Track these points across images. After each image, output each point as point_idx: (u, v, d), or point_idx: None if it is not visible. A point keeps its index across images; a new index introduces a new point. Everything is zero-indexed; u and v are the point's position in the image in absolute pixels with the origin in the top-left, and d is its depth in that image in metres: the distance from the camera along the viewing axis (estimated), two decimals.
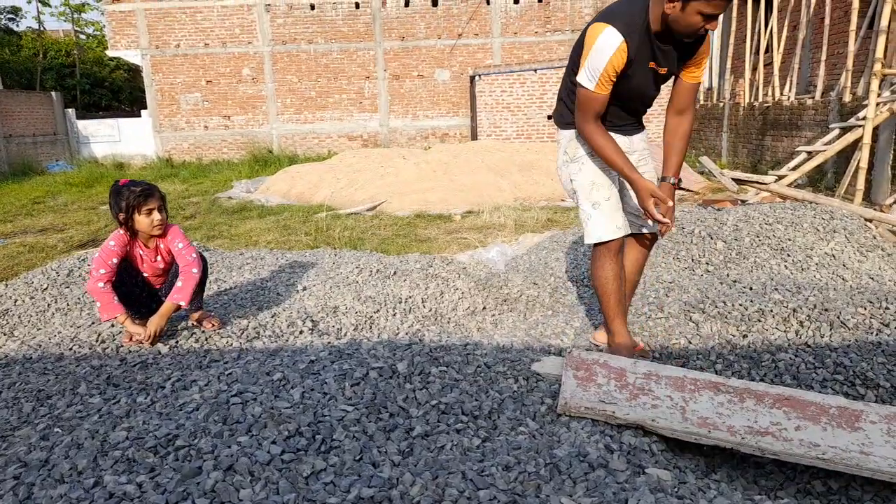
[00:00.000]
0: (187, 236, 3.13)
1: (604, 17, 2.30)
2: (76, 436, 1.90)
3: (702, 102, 14.36)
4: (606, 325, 2.76)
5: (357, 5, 17.25)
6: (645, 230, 2.75)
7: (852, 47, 8.24)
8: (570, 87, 2.56)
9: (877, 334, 2.65)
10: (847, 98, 8.27)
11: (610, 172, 2.61)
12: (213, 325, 3.09)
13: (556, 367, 2.54)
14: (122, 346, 2.86)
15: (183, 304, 2.91)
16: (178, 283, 2.92)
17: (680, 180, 2.67)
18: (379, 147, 16.89)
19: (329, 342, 2.87)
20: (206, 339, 2.95)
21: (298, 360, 2.38)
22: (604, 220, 2.58)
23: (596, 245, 2.63)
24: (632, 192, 2.65)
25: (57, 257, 5.75)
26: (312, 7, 17.27)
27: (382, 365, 2.28)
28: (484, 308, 3.85)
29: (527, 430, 2.02)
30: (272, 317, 3.29)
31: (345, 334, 3.17)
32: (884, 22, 6.83)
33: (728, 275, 3.84)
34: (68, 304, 3.72)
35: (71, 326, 3.22)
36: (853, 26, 8.20)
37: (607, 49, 2.24)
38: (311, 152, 17.59)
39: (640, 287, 3.83)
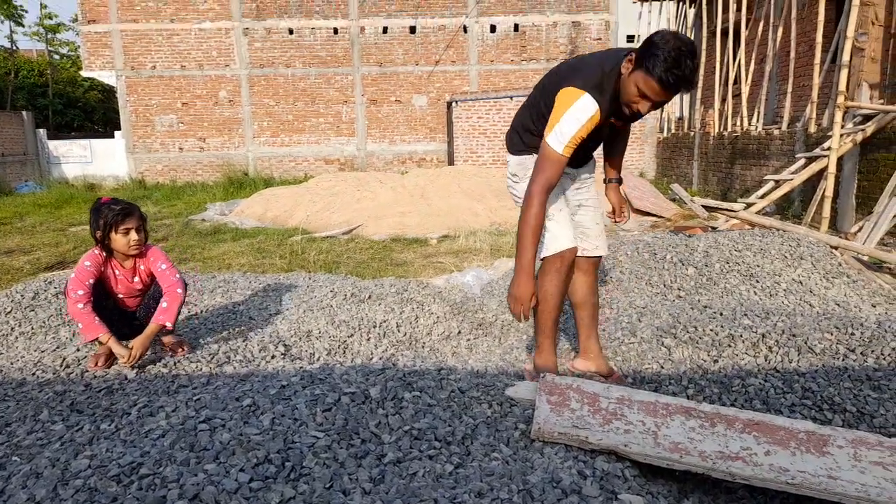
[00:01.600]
0: (169, 258, 3.10)
1: (579, 80, 2.29)
2: (35, 464, 1.84)
3: (673, 131, 14.68)
4: (536, 339, 2.71)
5: (335, 31, 17.40)
6: (588, 252, 2.76)
7: (817, 80, 8.52)
8: (526, 120, 2.58)
9: (843, 359, 2.70)
10: (812, 129, 8.53)
11: (562, 189, 2.61)
12: (184, 351, 3.03)
13: (529, 391, 2.54)
14: (88, 371, 2.79)
15: (168, 324, 2.88)
16: (163, 304, 2.90)
17: (621, 179, 2.86)
18: (356, 171, 16.91)
19: (301, 367, 2.84)
20: (175, 364, 2.89)
21: (269, 386, 2.34)
22: (560, 231, 2.58)
23: (550, 258, 2.60)
24: (583, 212, 2.74)
25: (23, 280, 5.61)
26: (291, 32, 17.37)
27: (355, 390, 2.26)
28: (459, 332, 3.85)
29: (500, 455, 2.01)
30: (244, 341, 3.24)
31: (318, 359, 3.13)
32: (845, 57, 7.09)
33: (699, 300, 3.89)
34: (32, 328, 3.62)
35: (35, 350, 3.13)
36: (817, 60, 8.49)
37: (582, 118, 2.25)
38: (288, 175, 17.54)
39: (614, 312, 3.86)
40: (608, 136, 2.67)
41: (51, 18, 27.10)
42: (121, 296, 3.04)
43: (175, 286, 2.94)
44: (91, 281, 2.83)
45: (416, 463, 1.87)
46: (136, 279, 3.05)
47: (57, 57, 28.82)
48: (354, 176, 11.92)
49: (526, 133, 2.59)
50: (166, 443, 1.90)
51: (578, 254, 2.70)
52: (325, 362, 3.05)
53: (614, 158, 2.87)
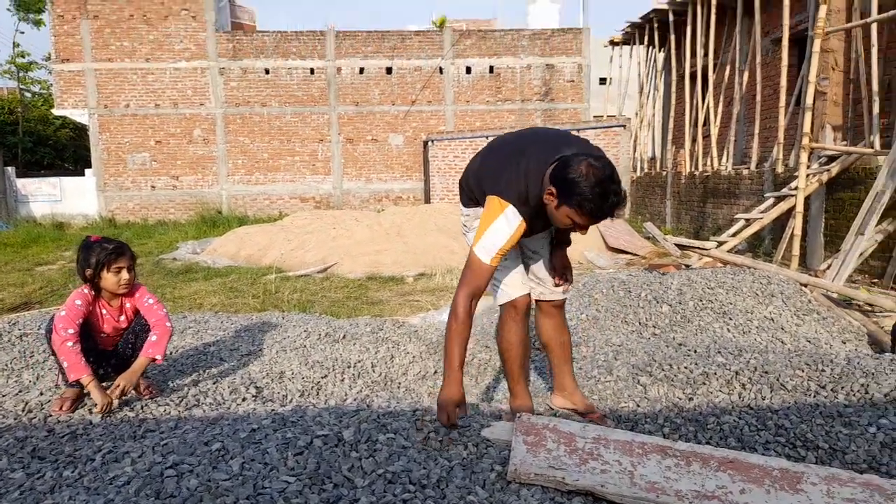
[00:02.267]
0: (155, 294, 3.09)
1: (504, 189, 2.30)
2: None
3: (646, 171, 15.01)
4: (509, 386, 2.75)
5: (312, 71, 17.60)
6: (547, 296, 2.76)
7: (782, 122, 8.82)
8: (472, 183, 2.57)
9: (814, 396, 2.72)
10: (780, 169, 8.79)
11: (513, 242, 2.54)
12: (150, 393, 2.96)
13: (506, 432, 2.51)
14: (51, 415, 2.70)
15: (159, 357, 2.84)
16: (153, 337, 2.87)
17: (569, 241, 2.78)
18: (332, 209, 16.92)
19: (273, 409, 2.77)
20: (142, 408, 2.80)
21: (239, 429, 2.28)
22: (509, 281, 2.61)
23: (503, 307, 2.64)
24: (536, 259, 2.74)
25: None
26: (267, 72, 17.53)
27: (328, 432, 2.21)
28: (435, 372, 3.81)
29: (476, 498, 1.97)
30: (214, 383, 3.16)
31: (290, 401, 3.07)
32: (809, 100, 7.37)
33: (674, 338, 3.92)
34: None
35: None
36: (782, 103, 8.81)
37: (507, 229, 2.27)
38: (262, 213, 17.47)
39: (590, 350, 3.86)
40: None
41: (23, 57, 27.00)
42: (104, 334, 3.00)
43: (163, 320, 2.93)
44: (80, 320, 2.80)
45: None
46: (122, 318, 3.02)
47: (28, 95, 28.61)
48: (330, 214, 11.91)
49: (470, 192, 2.60)
50: (131, 490, 1.83)
51: (538, 297, 2.72)
52: (297, 404, 2.99)
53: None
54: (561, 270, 2.74)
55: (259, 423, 2.34)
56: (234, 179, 17.77)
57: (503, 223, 2.27)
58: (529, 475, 2.07)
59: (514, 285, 2.63)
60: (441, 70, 17.86)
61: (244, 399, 3.00)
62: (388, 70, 17.78)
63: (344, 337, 4.13)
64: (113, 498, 1.80)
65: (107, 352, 3.03)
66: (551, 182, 2.19)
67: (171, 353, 3.81)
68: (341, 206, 17.68)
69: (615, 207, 2.14)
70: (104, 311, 2.97)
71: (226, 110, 17.54)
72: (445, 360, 2.39)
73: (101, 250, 2.85)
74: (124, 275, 2.89)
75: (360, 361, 3.69)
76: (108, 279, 2.87)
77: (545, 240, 2.81)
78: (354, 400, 3.13)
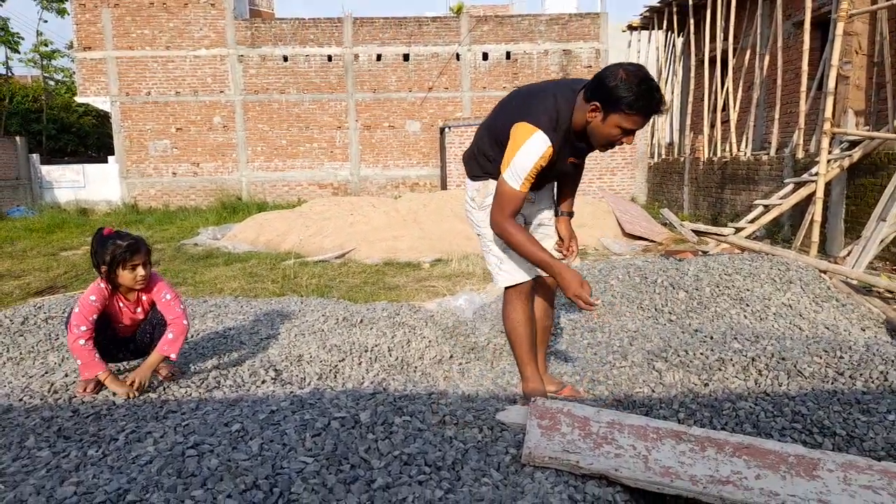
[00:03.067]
0: (173, 287, 3.10)
1: (532, 116, 2.30)
2: (20, 492, 1.82)
3: (663, 157, 14.84)
4: (519, 370, 2.74)
5: (329, 58, 17.60)
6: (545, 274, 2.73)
7: (803, 107, 8.67)
8: (484, 145, 2.56)
9: (832, 383, 2.71)
10: (800, 154, 8.65)
11: (522, 215, 2.65)
12: (172, 376, 3.00)
13: (520, 416, 2.53)
14: (76, 396, 2.77)
15: (173, 356, 2.86)
16: (169, 335, 2.86)
17: (572, 213, 2.84)
18: (349, 195, 16.98)
19: (291, 392, 2.82)
20: (164, 390, 2.87)
21: (259, 411, 2.33)
22: (515, 264, 2.63)
23: (508, 289, 2.66)
24: (542, 232, 2.77)
25: (12, 304, 5.57)
26: (285, 59, 17.56)
27: (345, 415, 2.25)
28: (451, 356, 3.84)
29: (491, 480, 2.00)
30: (233, 366, 3.22)
31: (308, 384, 3.12)
32: (831, 84, 7.22)
33: (690, 324, 3.90)
34: (21, 354, 3.59)
35: (23, 376, 3.10)
36: (803, 87, 8.65)
37: (535, 154, 2.28)
38: (281, 200, 17.58)
39: (605, 335, 3.86)
40: (561, 173, 2.63)
41: (46, 45, 27.31)
42: (121, 325, 3.00)
43: (181, 318, 2.92)
44: (94, 317, 2.80)
45: (405, 488, 1.86)
46: (139, 310, 3.01)
47: (52, 83, 28.97)
48: (347, 200, 11.97)
49: (483, 158, 2.58)
50: (153, 469, 1.88)
51: (537, 274, 2.73)
52: (315, 387, 3.04)
53: (567, 193, 2.84)
54: (567, 241, 2.78)
55: (278, 405, 2.39)
56: (254, 166, 17.89)
57: (532, 146, 2.26)
58: (544, 458, 2.09)
59: (521, 269, 2.63)
60: (458, 56, 17.76)
61: (263, 381, 3.06)
62: (406, 57, 17.72)
63: (361, 321, 4.17)
64: (136, 476, 1.85)
65: (126, 338, 3.07)
66: (592, 99, 2.22)
67: (192, 337, 3.88)
68: (359, 193, 17.74)
69: (661, 103, 2.19)
70: (121, 305, 2.97)
71: (245, 97, 17.62)
72: (542, 263, 2.39)
73: (116, 248, 2.80)
74: (140, 271, 2.85)
75: (376, 345, 3.72)
76: (125, 276, 2.84)
77: (550, 210, 2.82)
78: (371, 383, 3.17)
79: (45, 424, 2.46)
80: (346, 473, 1.91)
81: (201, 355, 3.49)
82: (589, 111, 2.23)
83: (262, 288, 6.25)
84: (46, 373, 3.09)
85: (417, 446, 2.12)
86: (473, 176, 2.66)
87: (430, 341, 3.91)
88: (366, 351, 3.63)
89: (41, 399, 2.76)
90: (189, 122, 17.71)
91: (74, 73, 19.15)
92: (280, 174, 17.94)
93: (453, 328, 4.17)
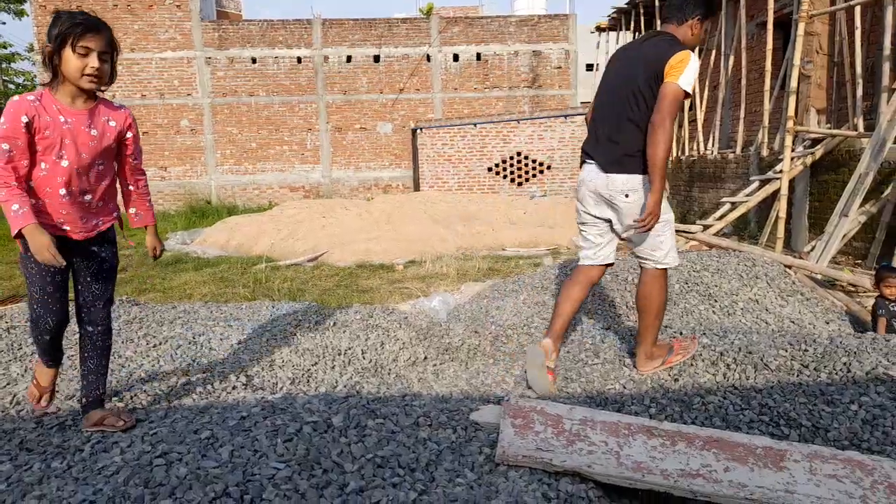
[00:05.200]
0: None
1: (681, 45, 2.83)
2: None
3: None
4: (651, 337, 3.01)
5: (299, 60, 17.46)
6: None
7: (767, 106, 8.86)
8: (629, 125, 2.86)
9: (798, 375, 2.76)
10: (765, 153, 8.83)
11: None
12: (123, 423, 2.35)
13: (494, 415, 2.54)
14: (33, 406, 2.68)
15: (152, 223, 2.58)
16: (147, 203, 2.52)
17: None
18: (321, 198, 16.85)
19: (263, 397, 2.78)
20: (132, 398, 2.81)
21: (229, 417, 2.29)
22: (676, 249, 3.04)
23: (663, 270, 3.02)
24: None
25: None
26: (254, 61, 17.37)
27: (317, 419, 2.23)
28: (425, 358, 3.83)
29: (464, 481, 2.00)
30: (203, 372, 3.17)
31: (280, 388, 3.08)
32: (793, 83, 7.39)
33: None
34: None
35: None
36: (767, 87, 8.84)
37: (697, 66, 2.80)
38: (252, 203, 17.38)
39: (577, 334, 3.89)
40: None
41: (5, 48, 26.60)
42: (66, 163, 2.17)
43: (143, 175, 2.52)
44: (25, 120, 2.09)
45: (378, 491, 1.85)
46: (95, 131, 2.23)
47: (11, 86, 28.22)
48: (320, 203, 11.88)
49: (638, 146, 2.84)
50: (120, 479, 1.84)
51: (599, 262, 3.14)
52: (287, 391, 3.01)
53: None
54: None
55: (249, 411, 2.35)
56: (223, 169, 17.65)
57: (694, 62, 2.77)
58: (517, 457, 2.10)
59: (677, 254, 3.08)
60: (428, 58, 17.76)
61: (234, 387, 3.01)
62: (376, 58, 17.66)
63: (334, 325, 4.14)
64: (102, 488, 1.81)
65: (83, 191, 2.27)
66: (690, 18, 2.89)
67: (161, 343, 3.81)
68: (331, 195, 17.62)
69: None
70: (63, 119, 2.16)
71: (213, 100, 17.38)
72: (661, 178, 2.75)
73: (69, 20, 2.10)
74: (93, 61, 2.12)
75: (350, 349, 3.70)
76: (70, 62, 2.10)
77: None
78: (344, 387, 3.15)
79: (6, 437, 2.39)
80: (319, 478, 1.89)
81: (170, 362, 3.42)
82: (695, 27, 2.91)
83: (233, 293, 6.16)
84: (8, 384, 3.00)
85: (391, 449, 2.11)
86: (628, 170, 2.88)
87: (403, 343, 3.90)
88: (339, 354, 3.60)
89: (2, 411, 2.68)
90: (155, 125, 17.40)
91: (35, 76, 18.65)
92: (250, 177, 17.73)
93: (427, 329, 4.17)
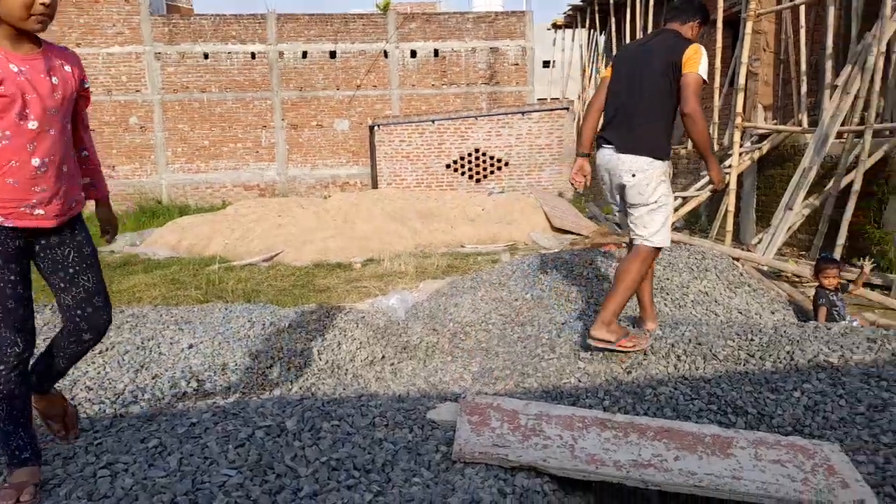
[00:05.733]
0: None
1: (688, 40, 3.11)
2: None
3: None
4: (613, 311, 3.09)
5: (253, 55, 17.13)
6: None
7: (717, 102, 9.09)
8: (653, 113, 3.08)
9: (744, 364, 2.85)
10: (715, 148, 9.07)
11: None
12: (67, 432, 2.14)
13: (451, 413, 2.54)
14: None
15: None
16: (96, 177, 2.13)
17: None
18: (277, 196, 16.58)
19: (214, 402, 2.72)
20: (76, 408, 2.71)
21: (178, 424, 2.23)
22: (668, 232, 3.18)
23: (650, 248, 3.13)
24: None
25: None
26: (206, 56, 16.96)
27: (270, 423, 2.19)
28: (383, 357, 3.81)
29: (421, 480, 1.99)
30: (152, 378, 3.09)
31: (233, 393, 3.02)
32: (741, 80, 7.60)
33: None
34: None
35: None
36: (717, 84, 9.07)
37: (707, 57, 3.05)
38: (205, 202, 16.98)
39: (534, 329, 3.93)
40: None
41: None
42: (34, 123, 1.71)
43: (92, 145, 2.13)
44: None
45: (333, 495, 1.83)
46: (55, 79, 1.78)
47: None
48: (275, 201, 11.70)
49: (651, 132, 3.08)
50: (62, 493, 1.77)
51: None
52: (240, 396, 2.95)
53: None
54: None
55: (199, 417, 2.30)
56: (174, 168, 17.20)
57: (705, 53, 3.02)
58: (474, 454, 2.11)
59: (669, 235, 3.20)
60: (386, 54, 17.65)
61: (184, 393, 2.94)
62: (332, 54, 17.46)
63: (290, 326, 4.08)
64: (42, 502, 1.74)
65: (46, 152, 1.77)
66: (692, 21, 3.21)
67: (107, 349, 3.68)
68: (287, 194, 17.35)
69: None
70: (14, 67, 1.69)
71: (163, 97, 16.91)
72: (711, 150, 3.10)
73: None
74: None
75: (306, 349, 3.65)
76: None
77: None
78: (300, 389, 3.11)
79: None
80: (272, 483, 1.86)
81: (117, 369, 3.32)
82: (696, 31, 3.23)
83: (185, 295, 6.02)
84: None
85: (346, 451, 2.09)
86: (643, 151, 3.07)
87: (361, 343, 3.87)
88: (294, 355, 3.55)
89: None
90: (102, 123, 16.83)
91: None
92: (203, 176, 17.32)
93: (385, 328, 4.15)
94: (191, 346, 3.74)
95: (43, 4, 1.68)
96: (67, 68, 1.85)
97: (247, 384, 3.16)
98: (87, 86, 1.98)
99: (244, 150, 17.41)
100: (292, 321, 4.17)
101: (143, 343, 3.68)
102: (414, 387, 3.26)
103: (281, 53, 17.22)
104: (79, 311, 1.95)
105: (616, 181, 3.19)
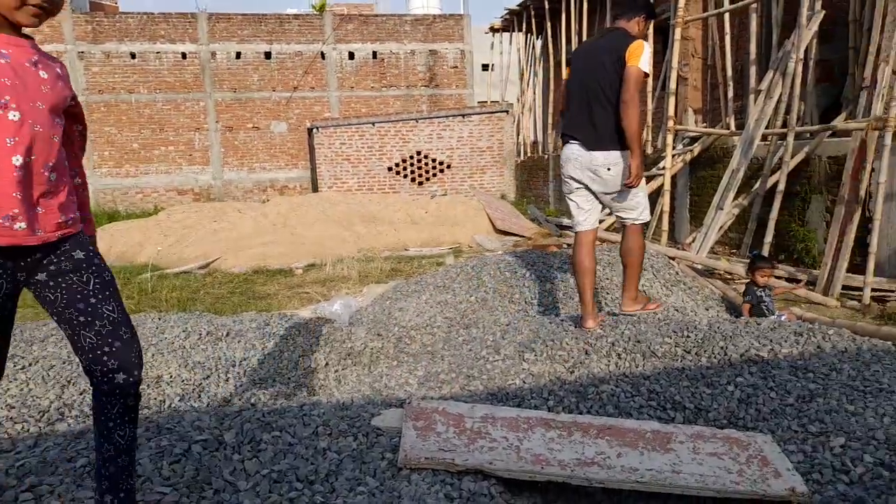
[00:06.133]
0: None
1: (633, 36, 3.32)
2: None
3: (529, 155, 15.48)
4: (634, 285, 3.54)
5: (184, 55, 16.59)
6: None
7: (650, 106, 9.38)
8: (605, 105, 3.30)
9: (681, 361, 2.93)
10: (649, 150, 9.35)
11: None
12: None
13: (396, 419, 2.51)
14: None
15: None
16: (86, 211, 1.80)
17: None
18: (212, 201, 16.10)
19: (147, 417, 2.60)
20: None
21: None
22: (648, 209, 3.52)
23: (638, 224, 3.49)
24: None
25: None
26: (133, 56, 16.32)
27: (207, 437, 2.10)
28: (326, 364, 3.74)
29: (366, 489, 1.96)
30: (80, 394, 2.92)
31: (168, 406, 2.90)
32: (672, 85, 7.87)
33: (557, 314, 4.08)
34: None
35: None
36: (650, 88, 9.36)
37: (650, 51, 3.28)
38: (135, 208, 16.31)
39: (479, 331, 3.94)
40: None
41: None
42: (16, 115, 1.43)
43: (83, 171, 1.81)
44: None
45: None
46: (44, 73, 1.52)
47: None
48: (211, 206, 11.34)
49: (612, 125, 3.29)
50: None
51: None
52: (175, 409, 2.83)
53: None
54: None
55: None
56: (102, 172, 16.45)
57: (647, 48, 3.23)
58: (420, 460, 2.08)
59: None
60: (323, 55, 17.41)
61: None
62: (268, 55, 17.10)
63: (228, 335, 3.95)
64: None
65: (42, 150, 1.49)
66: (637, 17, 3.42)
67: (31, 364, 3.47)
68: (223, 198, 16.86)
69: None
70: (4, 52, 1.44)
71: (87, 97, 16.15)
72: (639, 144, 3.26)
73: None
74: None
75: (245, 359, 3.55)
76: None
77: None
78: (239, 400, 3.01)
79: None
80: (210, 500, 1.79)
81: (41, 385, 3.13)
82: (640, 26, 3.43)
83: None
84: None
85: (288, 462, 2.03)
86: (607, 147, 3.32)
87: (303, 350, 3.79)
88: (233, 366, 3.44)
89: None
90: None
91: None
92: (133, 180, 16.64)
93: (328, 335, 4.07)
94: None
95: (24, 10, 1.46)
96: (59, 70, 1.60)
97: (182, 397, 3.04)
98: (73, 103, 1.68)
99: (176, 153, 16.84)
100: (230, 330, 4.04)
101: (69, 357, 3.48)
102: (359, 393, 3.21)
103: (213, 54, 16.75)
104: (98, 351, 1.61)
105: (590, 175, 3.42)
